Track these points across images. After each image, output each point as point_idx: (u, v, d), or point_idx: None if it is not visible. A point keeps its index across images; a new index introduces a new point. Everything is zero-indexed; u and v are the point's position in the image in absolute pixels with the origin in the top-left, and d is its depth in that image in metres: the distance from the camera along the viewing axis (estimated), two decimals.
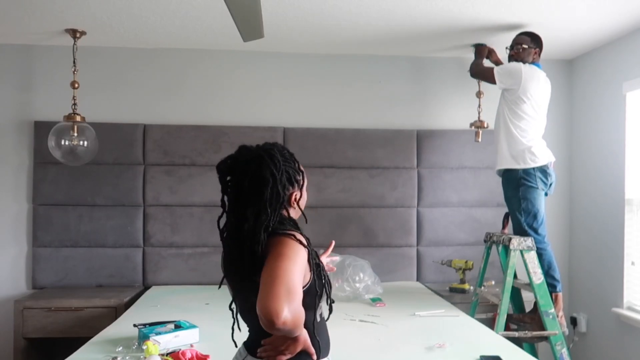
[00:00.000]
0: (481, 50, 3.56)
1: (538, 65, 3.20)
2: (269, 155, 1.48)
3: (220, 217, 1.55)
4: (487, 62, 3.54)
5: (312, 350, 1.48)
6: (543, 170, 3.08)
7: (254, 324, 1.50)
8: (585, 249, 3.88)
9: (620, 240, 3.46)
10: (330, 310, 1.59)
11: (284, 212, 1.53)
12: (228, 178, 1.52)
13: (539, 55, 3.25)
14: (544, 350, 3.50)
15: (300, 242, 1.43)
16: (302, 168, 1.59)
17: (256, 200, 1.45)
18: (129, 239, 3.72)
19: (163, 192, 3.74)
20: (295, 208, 1.57)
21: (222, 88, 3.87)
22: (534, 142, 3.08)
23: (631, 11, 3.03)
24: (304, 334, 1.44)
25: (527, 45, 3.19)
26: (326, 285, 1.53)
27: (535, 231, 3.08)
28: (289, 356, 1.45)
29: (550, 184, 3.13)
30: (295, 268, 1.37)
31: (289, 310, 1.29)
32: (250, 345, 1.54)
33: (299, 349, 1.45)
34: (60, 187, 3.66)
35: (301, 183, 1.58)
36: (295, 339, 1.43)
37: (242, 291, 1.51)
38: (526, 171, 3.06)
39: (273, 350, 1.45)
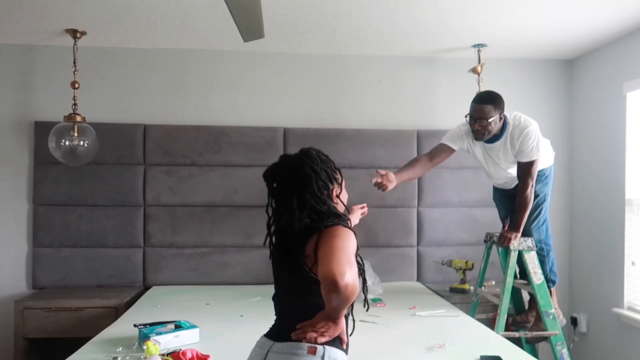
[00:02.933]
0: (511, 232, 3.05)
1: (505, 125, 2.99)
2: (307, 156, 1.64)
3: (269, 222, 1.66)
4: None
5: (345, 338, 1.56)
6: (551, 167, 3.17)
7: (290, 310, 1.60)
8: (586, 249, 3.88)
9: (620, 240, 3.46)
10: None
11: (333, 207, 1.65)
12: (274, 185, 1.64)
13: (502, 112, 2.95)
14: (544, 351, 3.50)
15: (352, 230, 1.56)
16: (338, 168, 1.72)
17: (300, 195, 1.57)
18: (129, 239, 3.72)
19: (163, 192, 3.74)
20: (338, 203, 1.68)
21: (222, 88, 3.87)
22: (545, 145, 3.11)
23: (631, 11, 3.03)
24: (342, 321, 1.53)
25: (492, 117, 2.88)
26: (364, 284, 1.63)
27: (547, 228, 3.16)
28: (327, 338, 1.50)
29: None
30: (350, 245, 1.50)
31: (350, 275, 1.39)
32: (276, 334, 1.59)
33: (337, 333, 1.52)
34: (60, 187, 3.66)
35: (340, 180, 1.70)
36: (335, 323, 1.50)
37: (287, 279, 1.61)
38: (543, 170, 3.10)
39: (312, 332, 1.50)
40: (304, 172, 1.59)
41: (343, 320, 1.52)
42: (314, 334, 1.48)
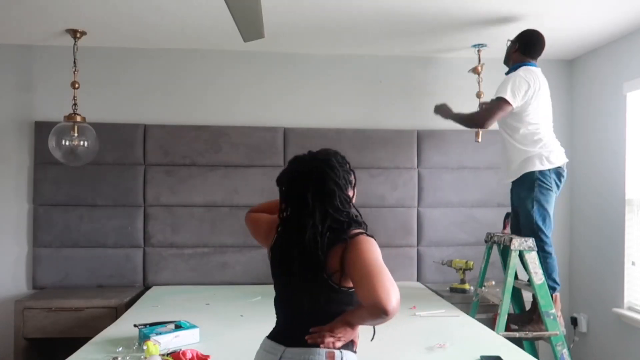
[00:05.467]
0: (445, 110, 3.30)
1: (527, 64, 3.04)
2: (329, 167, 1.54)
3: (278, 225, 1.62)
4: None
5: (357, 341, 1.58)
6: (558, 172, 3.04)
7: (303, 316, 1.53)
8: (586, 249, 3.88)
9: (620, 240, 3.46)
10: None
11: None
12: (290, 192, 1.57)
13: (521, 52, 3.07)
14: (545, 350, 3.50)
15: (373, 237, 1.52)
16: (353, 169, 1.64)
17: (323, 210, 1.50)
18: (129, 239, 3.72)
19: (163, 192, 3.74)
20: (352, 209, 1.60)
21: (222, 88, 3.87)
22: (547, 144, 3.02)
23: (631, 11, 3.03)
24: (358, 327, 1.54)
25: (510, 40, 3.16)
26: None
27: (544, 233, 3.06)
28: (343, 342, 1.51)
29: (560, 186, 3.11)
30: (380, 256, 1.47)
31: (396, 296, 1.39)
32: (286, 338, 1.54)
33: (351, 337, 1.53)
34: (60, 188, 3.66)
35: (354, 183, 1.63)
36: (353, 328, 1.51)
37: (301, 286, 1.52)
38: (542, 172, 3.00)
39: (329, 337, 1.48)
40: (328, 187, 1.50)
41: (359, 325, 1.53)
42: (331, 339, 1.47)
